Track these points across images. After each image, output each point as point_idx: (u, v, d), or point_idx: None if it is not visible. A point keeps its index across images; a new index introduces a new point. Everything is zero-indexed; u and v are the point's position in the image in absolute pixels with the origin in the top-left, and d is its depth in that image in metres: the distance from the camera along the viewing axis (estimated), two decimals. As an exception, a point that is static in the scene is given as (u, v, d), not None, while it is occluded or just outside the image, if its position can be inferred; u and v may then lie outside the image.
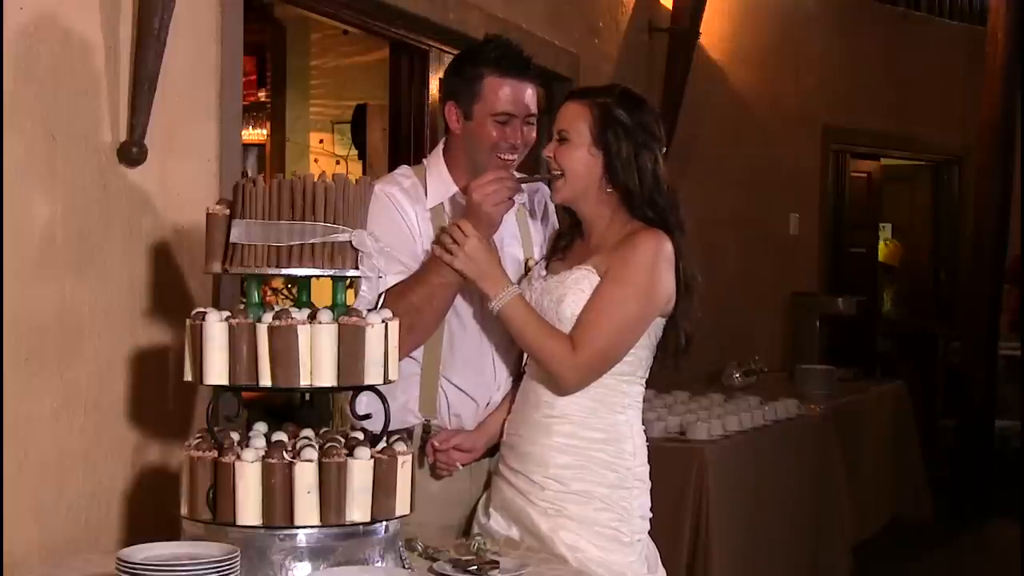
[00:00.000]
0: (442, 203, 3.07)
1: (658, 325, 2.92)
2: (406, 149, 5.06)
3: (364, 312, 2.42)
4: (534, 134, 3.07)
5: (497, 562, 2.58)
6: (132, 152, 3.06)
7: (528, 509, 2.89)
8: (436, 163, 3.12)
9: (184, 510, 2.41)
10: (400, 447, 2.44)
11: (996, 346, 8.41)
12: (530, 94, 3.04)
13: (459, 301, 3.04)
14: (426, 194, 3.07)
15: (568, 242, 3.03)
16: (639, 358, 2.92)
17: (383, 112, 5.90)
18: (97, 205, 3.02)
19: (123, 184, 3.09)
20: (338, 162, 7.26)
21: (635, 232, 2.88)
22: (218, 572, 2.16)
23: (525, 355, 3.01)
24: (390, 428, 2.48)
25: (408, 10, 4.56)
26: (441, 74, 5.03)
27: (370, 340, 2.37)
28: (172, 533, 2.43)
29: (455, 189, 3.07)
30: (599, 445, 2.89)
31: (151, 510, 3.05)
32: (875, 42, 9.06)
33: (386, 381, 2.43)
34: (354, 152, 7.10)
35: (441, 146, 3.15)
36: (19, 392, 2.80)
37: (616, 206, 2.93)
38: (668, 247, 2.87)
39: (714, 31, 7.21)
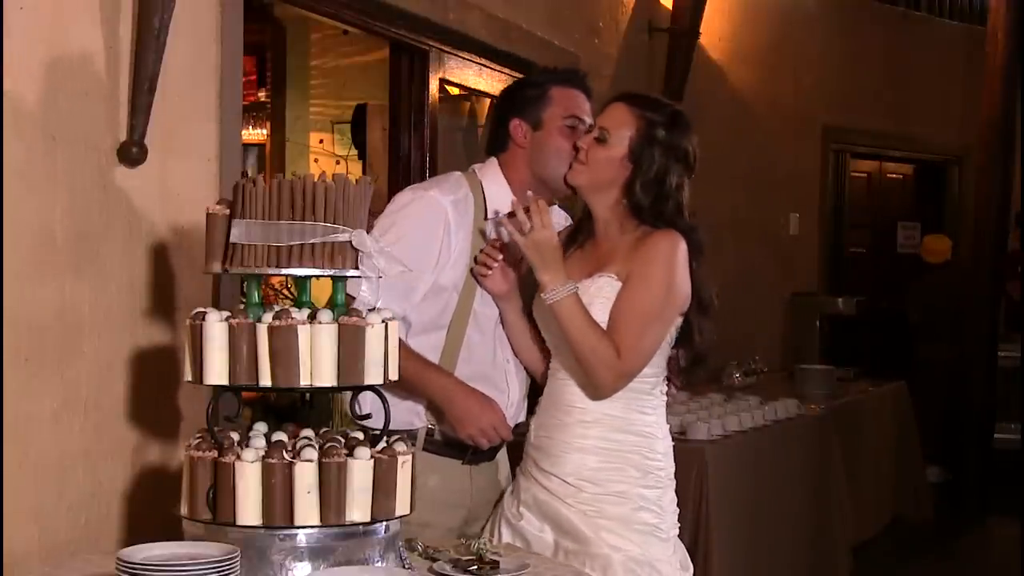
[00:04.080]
0: (496, 214, 3.06)
1: (676, 324, 2.95)
2: (406, 149, 5.05)
3: (364, 312, 2.42)
4: None
5: (497, 562, 2.58)
6: (132, 152, 3.06)
7: (566, 512, 2.92)
8: (495, 176, 3.12)
9: (184, 510, 2.41)
10: (400, 447, 2.44)
11: (996, 347, 8.41)
12: (589, 108, 3.11)
13: (481, 311, 3.07)
14: (485, 205, 3.08)
15: (580, 243, 3.04)
16: (662, 355, 2.95)
17: (383, 112, 5.89)
18: (97, 205, 3.02)
19: (123, 184, 3.09)
20: (338, 162, 7.25)
21: (649, 233, 2.91)
22: (218, 572, 2.15)
23: (551, 358, 3.02)
24: (392, 428, 2.48)
25: (408, 10, 4.56)
26: (442, 74, 5.07)
27: (370, 340, 2.37)
28: (172, 533, 2.43)
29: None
30: (633, 447, 2.93)
31: (151, 510, 3.05)
32: (875, 42, 9.07)
33: (386, 381, 2.42)
34: (354, 152, 7.10)
35: (494, 162, 3.15)
36: (19, 392, 2.80)
37: (627, 213, 2.95)
38: (683, 244, 2.89)
39: (714, 31, 7.21)
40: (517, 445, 3.14)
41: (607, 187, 2.95)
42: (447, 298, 3.05)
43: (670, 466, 3.01)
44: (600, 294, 2.89)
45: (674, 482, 3.03)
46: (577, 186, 3.00)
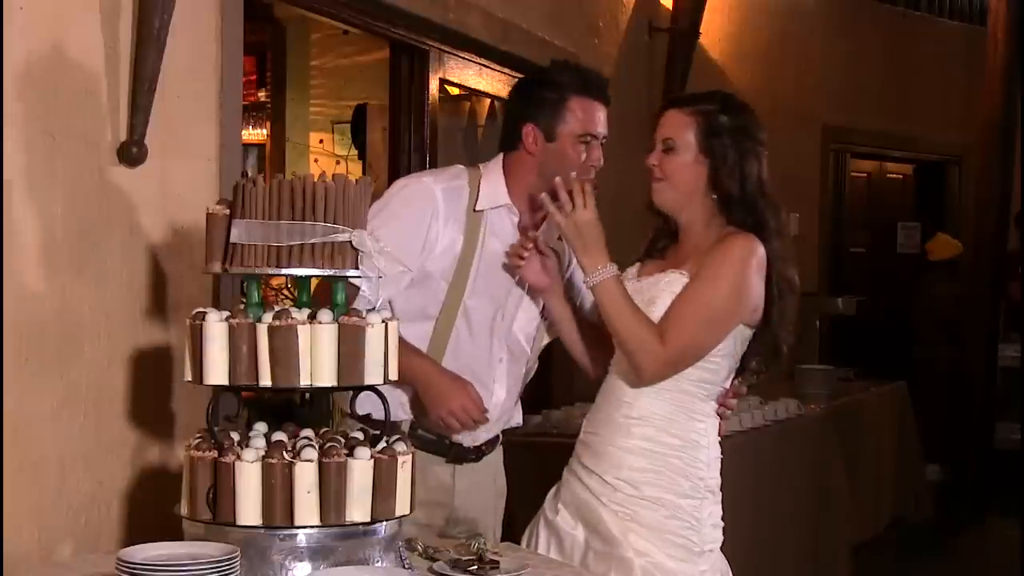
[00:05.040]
0: (485, 211, 3.07)
1: (744, 337, 2.91)
2: (406, 149, 5.05)
3: (364, 312, 2.42)
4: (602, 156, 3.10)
5: (497, 562, 2.58)
6: (132, 152, 3.06)
7: (600, 511, 2.90)
8: (495, 173, 3.11)
9: (184, 510, 2.41)
10: (400, 447, 2.44)
11: (996, 347, 8.41)
12: (605, 117, 3.09)
13: (472, 305, 3.06)
14: (477, 198, 3.07)
15: (664, 245, 3.03)
16: (723, 367, 2.91)
17: (383, 112, 5.89)
18: (97, 205, 3.02)
19: (123, 184, 3.09)
20: (338, 162, 7.25)
21: (728, 235, 2.89)
22: (218, 572, 2.16)
23: (614, 352, 2.97)
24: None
25: (408, 10, 4.56)
26: (442, 74, 5.07)
27: (370, 340, 2.37)
28: (172, 533, 2.43)
29: (506, 201, 3.08)
30: (676, 452, 2.89)
31: (151, 510, 3.05)
32: (875, 42, 9.07)
33: (386, 381, 2.43)
34: (354, 152, 7.10)
35: (500, 159, 3.14)
36: (19, 392, 2.79)
37: (714, 211, 2.94)
38: (761, 251, 2.87)
39: (714, 30, 7.21)
40: (564, 447, 3.09)
41: (692, 194, 2.93)
42: (435, 287, 3.05)
43: (712, 477, 2.94)
44: (668, 288, 2.87)
45: (719, 496, 2.97)
46: (662, 204, 2.97)
